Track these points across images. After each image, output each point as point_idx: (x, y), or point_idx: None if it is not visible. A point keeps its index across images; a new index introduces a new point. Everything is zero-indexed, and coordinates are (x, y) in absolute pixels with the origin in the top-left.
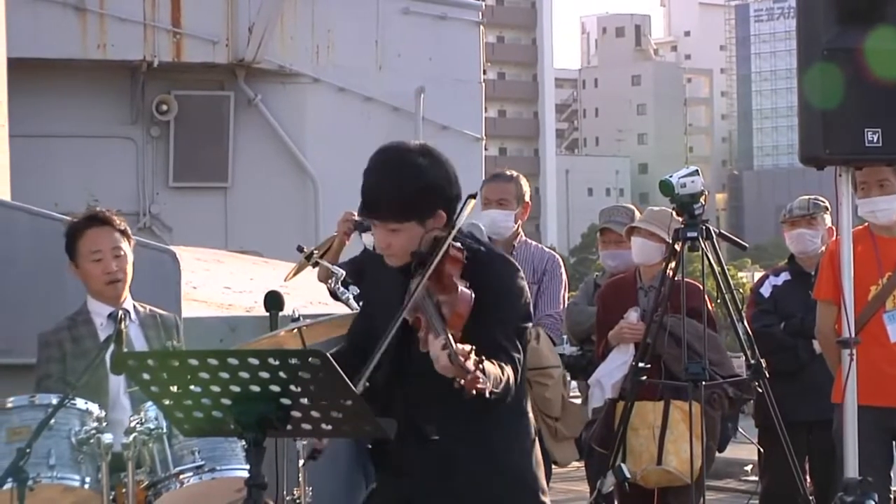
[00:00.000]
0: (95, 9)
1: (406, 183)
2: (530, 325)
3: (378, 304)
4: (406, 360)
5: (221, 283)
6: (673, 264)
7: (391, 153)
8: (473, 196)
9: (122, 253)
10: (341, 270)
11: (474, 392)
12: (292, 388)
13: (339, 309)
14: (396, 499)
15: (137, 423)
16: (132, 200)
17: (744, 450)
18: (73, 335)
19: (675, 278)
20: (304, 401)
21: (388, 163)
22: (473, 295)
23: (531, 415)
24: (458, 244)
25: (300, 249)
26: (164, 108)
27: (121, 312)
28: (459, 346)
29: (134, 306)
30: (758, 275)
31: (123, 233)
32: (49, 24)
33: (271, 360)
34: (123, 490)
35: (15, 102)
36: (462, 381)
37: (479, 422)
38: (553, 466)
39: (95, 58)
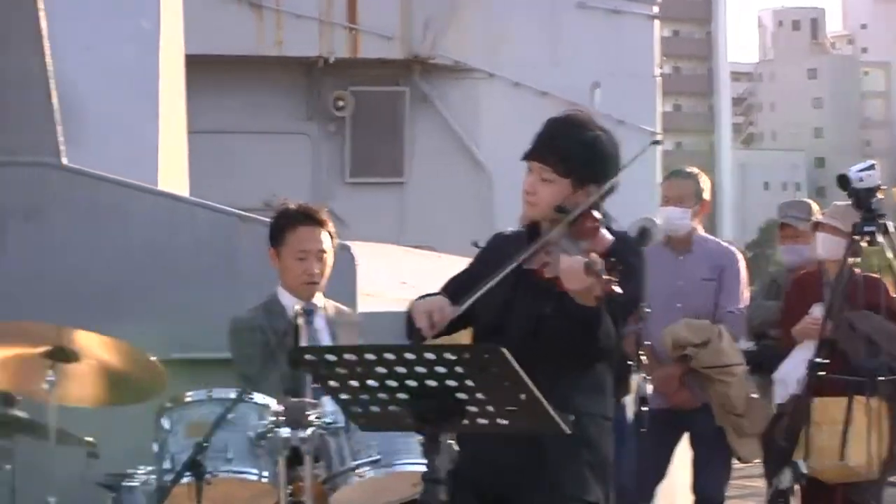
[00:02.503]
0: (272, 5)
1: (583, 140)
2: (642, 306)
3: (491, 264)
4: (507, 322)
5: (397, 278)
6: (851, 259)
7: (580, 114)
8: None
9: (325, 256)
10: None
11: (606, 292)
12: (468, 382)
13: None
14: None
15: (315, 417)
16: (308, 196)
17: None
18: (271, 323)
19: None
20: (481, 395)
21: (573, 118)
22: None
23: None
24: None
25: (475, 245)
26: (341, 103)
27: (297, 307)
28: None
29: (323, 303)
30: None
31: (331, 235)
32: (226, 21)
33: (448, 355)
34: (300, 484)
35: (193, 99)
36: (597, 290)
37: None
38: (734, 462)
39: (272, 54)
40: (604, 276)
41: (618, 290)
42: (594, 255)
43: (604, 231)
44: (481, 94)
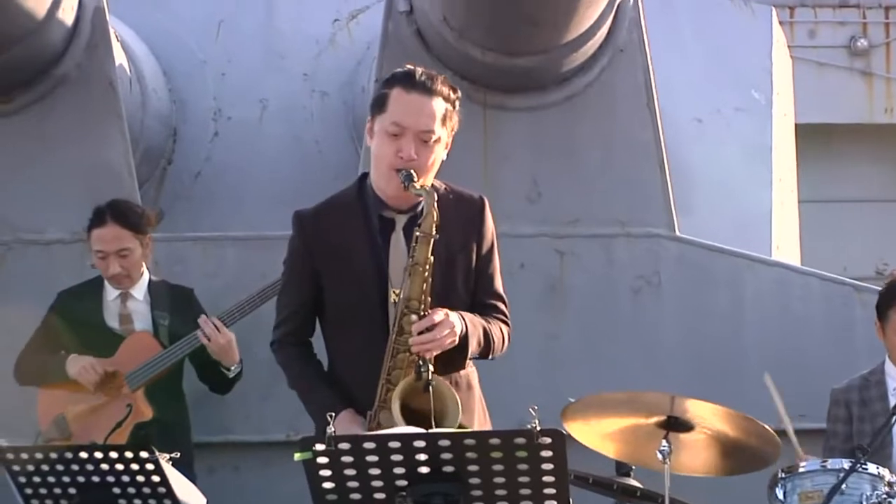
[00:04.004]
0: (881, 73)
1: None
2: None
3: None
4: None
5: None
6: None
7: None
8: None
9: None
10: None
11: None
12: None
13: None
14: None
15: None
16: None
17: None
18: (862, 396)
19: None
20: None
21: None
22: None
23: None
24: None
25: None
26: None
27: None
28: None
29: None
30: None
31: None
32: (835, 89)
33: None
34: None
35: (805, 168)
36: None
37: None
38: None
39: (882, 122)
40: None
41: None
42: None
43: None
44: None
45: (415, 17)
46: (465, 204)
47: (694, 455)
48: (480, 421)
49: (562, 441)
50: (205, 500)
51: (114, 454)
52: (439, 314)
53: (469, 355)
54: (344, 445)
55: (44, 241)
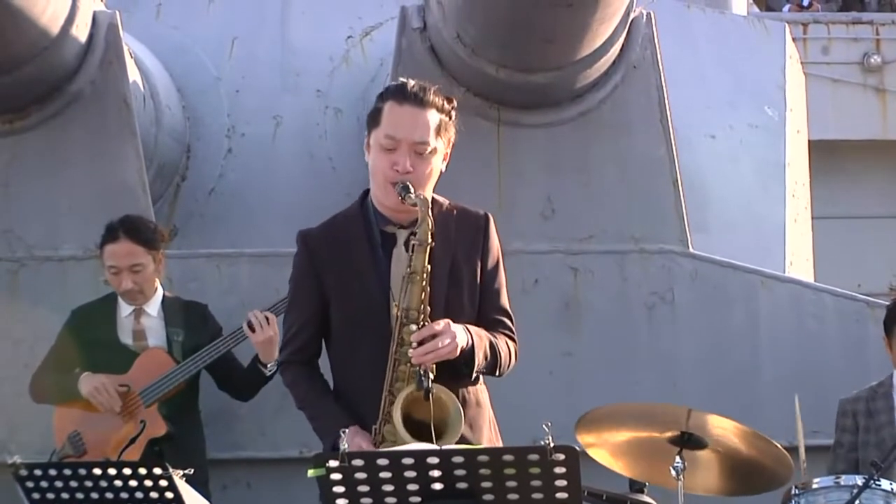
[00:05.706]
0: (894, 89)
1: None
2: None
3: None
4: None
5: None
6: None
7: None
8: None
9: None
10: None
11: None
12: None
13: None
14: None
15: None
16: None
17: None
18: (868, 407)
19: None
20: None
21: None
22: None
23: None
24: None
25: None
26: None
27: None
28: None
29: None
30: None
31: None
32: (849, 106)
33: None
34: None
35: (818, 184)
36: None
37: None
38: None
39: (894, 138)
40: None
41: None
42: None
43: None
44: None
45: (428, 34)
46: (469, 220)
47: (706, 474)
48: (490, 438)
49: (575, 458)
50: None
51: (127, 471)
52: (440, 324)
53: (476, 369)
54: (357, 462)
55: (58, 258)
